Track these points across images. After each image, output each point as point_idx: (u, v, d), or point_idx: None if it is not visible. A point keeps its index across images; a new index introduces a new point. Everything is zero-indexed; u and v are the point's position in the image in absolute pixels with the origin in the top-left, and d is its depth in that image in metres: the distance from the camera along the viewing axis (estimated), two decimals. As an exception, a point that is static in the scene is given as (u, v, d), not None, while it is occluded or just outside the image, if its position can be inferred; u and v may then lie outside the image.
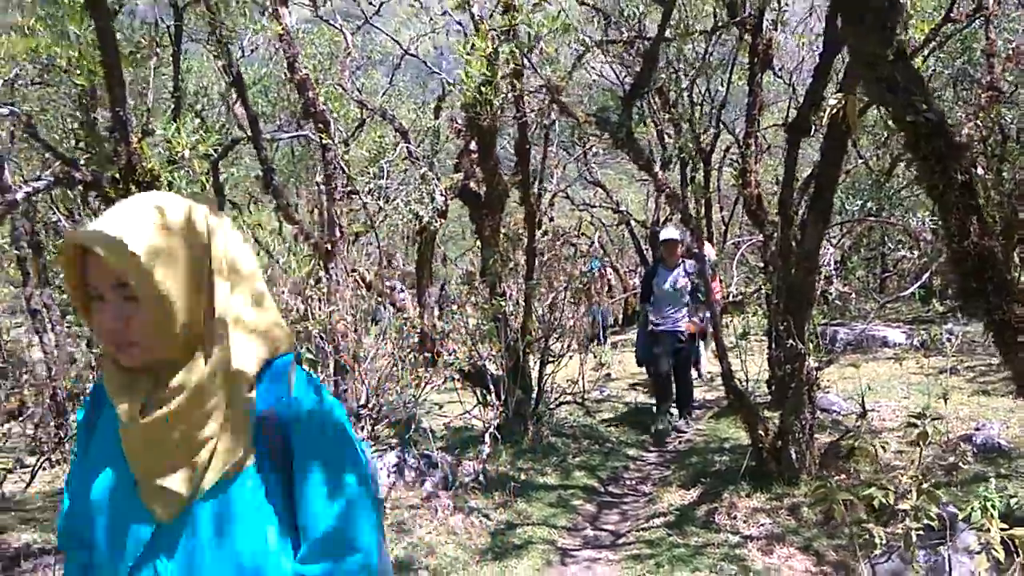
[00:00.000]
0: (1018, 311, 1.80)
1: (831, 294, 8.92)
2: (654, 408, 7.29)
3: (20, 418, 6.34)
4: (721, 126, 12.57)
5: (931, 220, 9.92)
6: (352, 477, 1.33)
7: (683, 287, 6.92)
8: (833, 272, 11.33)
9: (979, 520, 2.26)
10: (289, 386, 1.33)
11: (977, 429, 5.64)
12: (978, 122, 4.30)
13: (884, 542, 2.39)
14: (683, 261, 7.20)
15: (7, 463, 5.63)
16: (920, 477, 2.49)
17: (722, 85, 12.07)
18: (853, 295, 12.61)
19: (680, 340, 7.00)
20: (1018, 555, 2.36)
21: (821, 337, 8.97)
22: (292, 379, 1.34)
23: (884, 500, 2.57)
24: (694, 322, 7.56)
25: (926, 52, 7.50)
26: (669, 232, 7.19)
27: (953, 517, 3.31)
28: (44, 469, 6.36)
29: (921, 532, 2.61)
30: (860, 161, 11.65)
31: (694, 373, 8.95)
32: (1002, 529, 2.36)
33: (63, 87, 8.52)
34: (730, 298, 13.14)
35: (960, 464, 4.18)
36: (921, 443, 2.75)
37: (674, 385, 7.23)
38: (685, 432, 7.06)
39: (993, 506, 2.23)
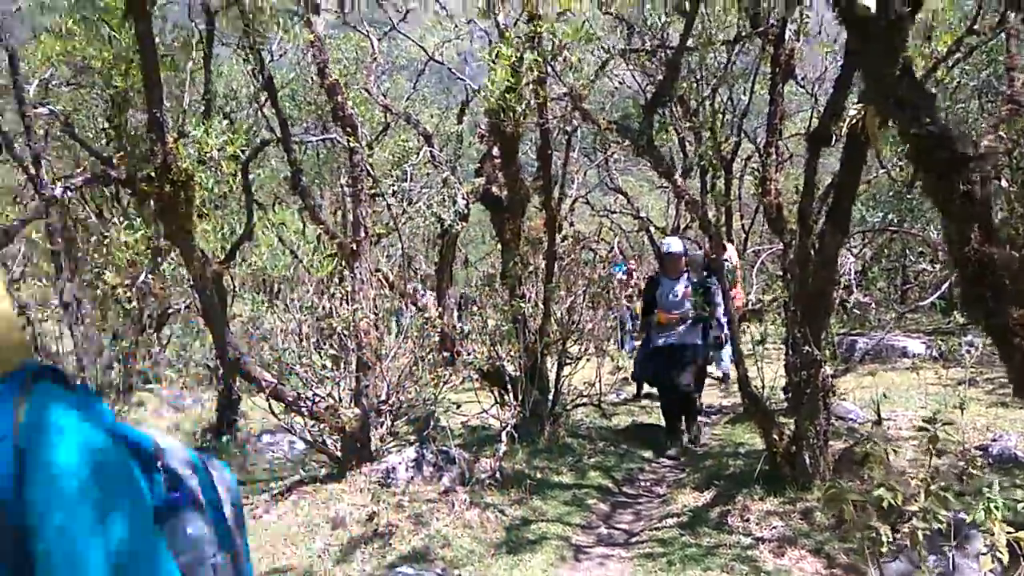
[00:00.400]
0: (1015, 315, 1.86)
1: (850, 304, 8.92)
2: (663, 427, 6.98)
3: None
4: (743, 135, 12.60)
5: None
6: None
7: (684, 297, 6.64)
8: (853, 282, 11.34)
9: (983, 522, 2.32)
10: (14, 422, 0.91)
11: (994, 440, 5.65)
12: (1000, 134, 4.32)
13: (891, 541, 2.45)
14: (687, 271, 7.02)
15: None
16: (929, 480, 2.55)
17: (744, 94, 12.13)
18: (873, 305, 12.60)
19: (685, 354, 6.61)
20: None
21: (839, 346, 9.00)
22: (20, 412, 0.92)
23: (893, 502, 2.64)
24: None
25: (951, 63, 7.52)
26: (672, 244, 6.94)
27: (961, 522, 3.37)
28: (73, 458, 6.55)
29: (929, 534, 2.66)
30: (882, 172, 11.65)
31: (719, 376, 9.00)
32: (1008, 532, 2.42)
33: (95, 88, 8.76)
34: (749, 305, 13.16)
35: (973, 472, 4.20)
36: (932, 447, 2.81)
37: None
38: (696, 449, 6.72)
39: (997, 508, 2.29)
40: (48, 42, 7.68)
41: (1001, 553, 2.36)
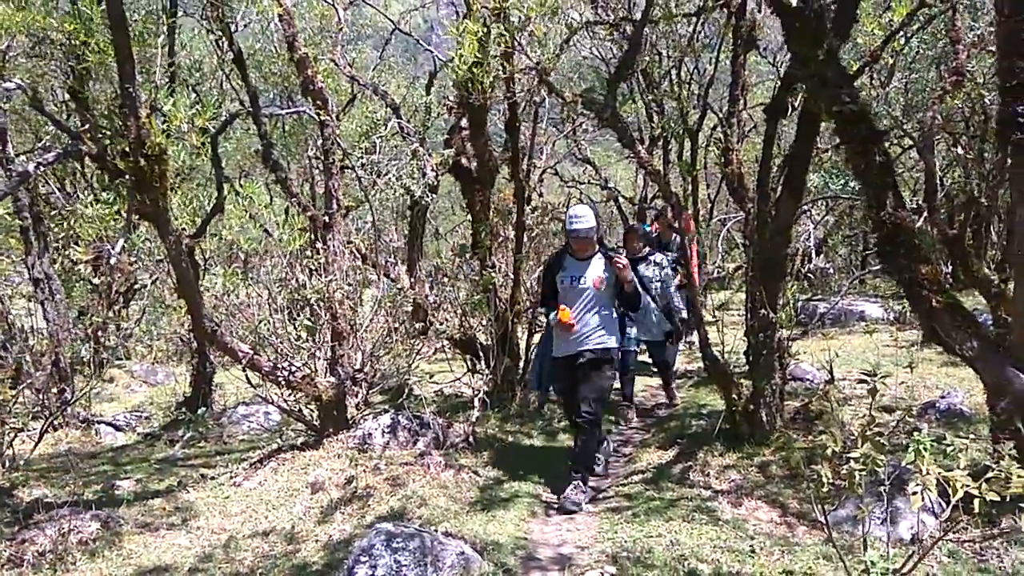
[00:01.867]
0: (924, 270, 2.07)
1: (807, 270, 9.18)
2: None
3: (19, 386, 6.55)
4: (707, 106, 12.76)
5: (909, 200, 10.22)
6: None
7: (602, 287, 4.90)
8: (812, 249, 11.66)
9: (913, 463, 2.54)
10: None
11: (942, 397, 5.95)
12: (943, 105, 4.55)
13: (831, 483, 2.67)
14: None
15: (16, 424, 5.86)
16: (866, 427, 2.76)
17: (710, 64, 12.27)
18: (832, 271, 12.98)
19: (597, 367, 4.87)
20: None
21: (802, 311, 9.31)
22: None
23: (835, 449, 2.86)
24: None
25: (909, 34, 7.72)
26: (578, 215, 4.89)
27: (904, 470, 3.63)
28: (49, 432, 6.62)
29: (868, 479, 2.88)
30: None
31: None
32: (938, 473, 2.65)
33: (55, 61, 8.62)
34: (713, 274, 13.45)
35: (908, 421, 4.48)
36: (872, 398, 3.03)
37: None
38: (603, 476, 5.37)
39: (926, 450, 2.51)
40: (5, 12, 7.55)
41: (930, 490, 2.59)
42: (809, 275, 10.99)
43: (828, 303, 10.20)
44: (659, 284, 6.69)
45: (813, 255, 12.40)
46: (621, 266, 4.78)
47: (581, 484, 4.80)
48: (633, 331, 6.36)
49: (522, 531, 4.25)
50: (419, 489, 4.63)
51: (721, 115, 11.67)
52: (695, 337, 8.26)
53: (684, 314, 6.77)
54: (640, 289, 5.06)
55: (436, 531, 3.85)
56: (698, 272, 8.02)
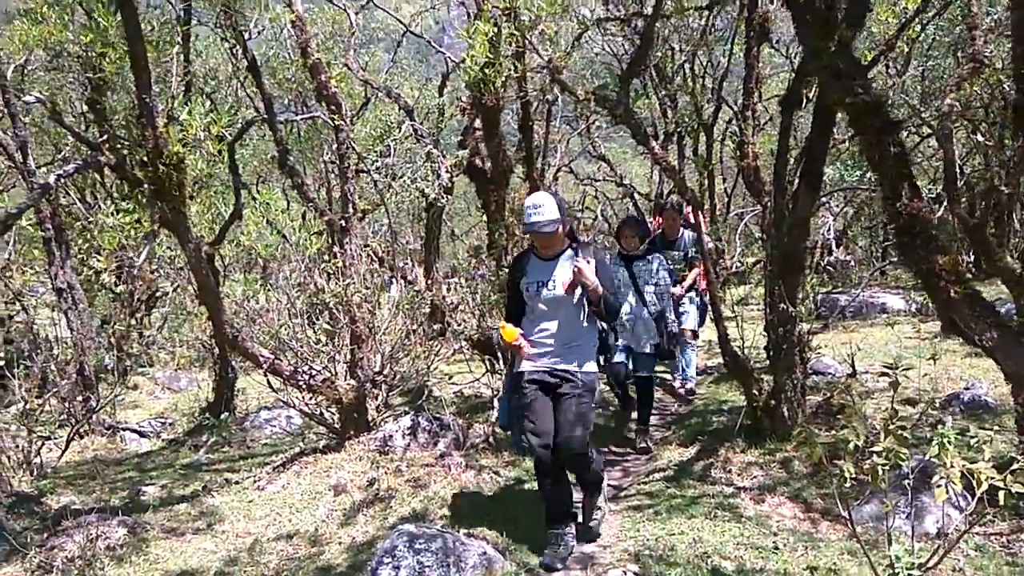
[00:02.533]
0: (941, 261, 2.05)
1: (825, 263, 9.08)
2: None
3: (45, 394, 6.66)
4: (722, 99, 12.70)
5: (928, 189, 10.12)
6: None
7: (576, 292, 3.94)
8: (832, 241, 11.55)
9: (937, 456, 2.52)
10: None
11: (966, 388, 5.88)
12: (961, 92, 4.49)
13: (854, 478, 2.65)
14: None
15: (43, 432, 5.95)
16: (889, 420, 2.74)
17: (724, 56, 12.21)
18: (853, 263, 12.85)
19: (571, 390, 3.90)
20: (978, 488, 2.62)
21: (823, 304, 9.23)
22: None
23: (858, 443, 2.84)
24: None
25: (925, 20, 7.63)
26: (536, 204, 3.91)
27: (929, 464, 3.59)
28: (75, 440, 6.70)
29: (890, 473, 2.86)
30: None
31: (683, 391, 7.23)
32: (963, 465, 2.62)
33: (72, 73, 8.75)
34: (733, 268, 13.37)
35: (931, 414, 4.43)
36: (893, 390, 3.00)
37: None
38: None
39: (950, 443, 2.49)
40: (23, 27, 7.66)
41: (955, 483, 2.57)
42: (829, 268, 10.89)
43: (849, 296, 10.11)
44: (654, 288, 5.94)
45: (833, 247, 12.31)
46: (577, 269, 3.78)
47: (567, 538, 3.90)
48: (620, 342, 5.74)
49: (544, 531, 4.24)
50: (440, 490, 4.65)
51: (736, 108, 11.64)
52: (687, 380, 7.30)
53: (675, 328, 6.11)
54: (614, 297, 3.96)
55: (458, 532, 3.86)
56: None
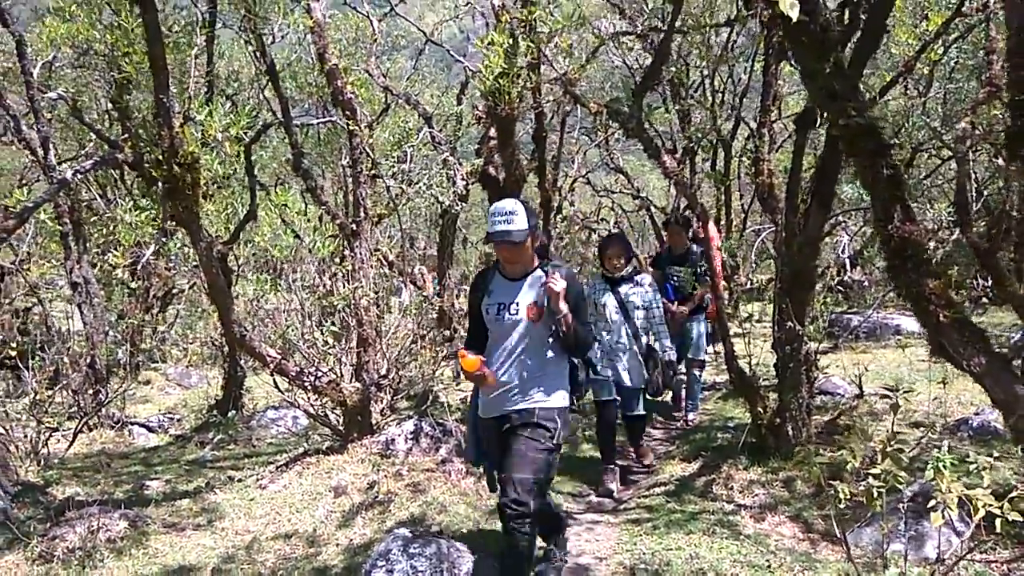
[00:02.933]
0: (931, 285, 2.04)
1: (836, 282, 8.98)
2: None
3: (56, 386, 6.75)
4: (741, 115, 12.69)
5: (948, 212, 10.03)
6: None
7: (543, 319, 3.38)
8: (847, 260, 11.48)
9: (933, 480, 2.50)
10: None
11: (976, 414, 5.82)
12: (977, 116, 4.47)
13: (848, 499, 2.63)
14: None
15: (52, 423, 6.03)
16: (887, 443, 2.72)
17: (745, 73, 12.21)
18: (868, 283, 12.75)
19: (529, 432, 3.34)
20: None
21: (836, 324, 9.17)
22: None
23: (855, 465, 2.82)
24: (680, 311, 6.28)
25: (947, 43, 7.59)
26: (504, 213, 3.33)
27: (930, 488, 3.56)
28: (83, 432, 6.78)
29: (887, 495, 2.83)
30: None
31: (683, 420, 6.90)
32: (960, 490, 2.59)
33: (98, 71, 8.90)
34: (746, 285, 13.30)
35: (931, 437, 4.39)
36: (894, 413, 2.98)
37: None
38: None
39: (945, 467, 2.47)
40: (52, 25, 7.82)
41: (951, 508, 2.54)
42: (841, 287, 10.81)
43: (862, 316, 10.03)
44: (645, 313, 5.40)
45: (848, 267, 12.22)
46: (546, 288, 3.28)
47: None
48: (609, 374, 5.29)
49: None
50: (440, 496, 4.66)
51: (750, 125, 11.61)
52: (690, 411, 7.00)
53: (672, 355, 5.48)
54: (587, 328, 3.47)
55: (453, 539, 3.87)
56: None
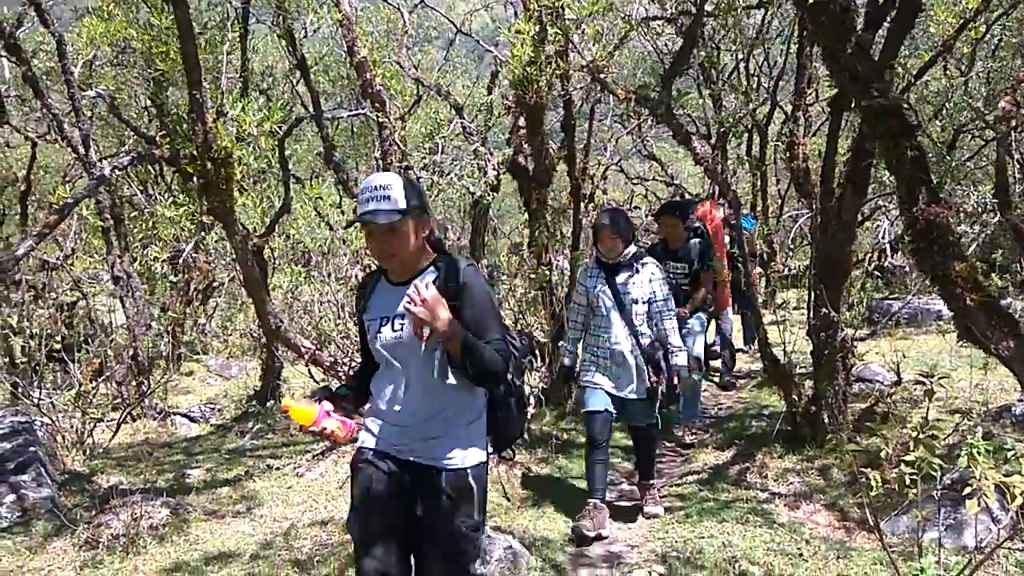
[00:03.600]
0: (958, 267, 2.00)
1: (873, 268, 8.82)
2: None
3: (101, 378, 6.95)
4: (776, 99, 12.47)
5: (991, 195, 9.76)
6: None
7: (425, 351, 2.41)
8: (888, 246, 11.25)
9: (967, 467, 2.45)
10: None
11: (1020, 400, 5.68)
12: (1016, 97, 4.35)
13: (880, 486, 2.59)
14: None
15: (96, 414, 6.20)
16: (920, 429, 2.67)
17: (781, 56, 11.98)
18: (909, 269, 12.49)
19: (443, 496, 2.44)
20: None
21: (875, 310, 9.00)
22: None
23: (888, 452, 2.78)
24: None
25: (990, 20, 7.35)
26: (380, 183, 2.39)
27: (968, 476, 3.49)
28: (127, 422, 6.97)
29: (926, 483, 2.78)
30: (921, 133, 11.38)
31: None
32: (996, 476, 2.54)
33: (136, 69, 9.08)
34: (783, 272, 13.11)
35: (969, 424, 4.30)
36: (928, 399, 2.93)
37: None
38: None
39: (980, 453, 2.42)
40: (91, 24, 8.00)
41: (987, 496, 2.49)
42: (878, 272, 10.60)
43: (902, 302, 9.84)
44: (648, 308, 4.33)
45: (888, 252, 11.98)
46: (410, 298, 2.30)
47: None
48: (600, 378, 4.34)
49: (569, 529, 4.25)
50: (471, 484, 4.69)
51: (785, 109, 11.41)
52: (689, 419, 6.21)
53: (680, 359, 4.37)
54: (495, 346, 2.38)
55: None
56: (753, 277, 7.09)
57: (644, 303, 4.32)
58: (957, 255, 2.00)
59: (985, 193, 10.03)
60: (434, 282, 2.37)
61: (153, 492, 4.68)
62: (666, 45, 8.53)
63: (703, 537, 3.98)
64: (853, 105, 2.46)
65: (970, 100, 10.04)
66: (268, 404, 7.33)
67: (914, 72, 6.30)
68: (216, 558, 4.08)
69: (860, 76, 2.00)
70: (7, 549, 4.04)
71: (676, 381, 4.33)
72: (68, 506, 4.61)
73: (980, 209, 9.26)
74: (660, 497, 4.60)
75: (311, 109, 9.06)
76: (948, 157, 11.23)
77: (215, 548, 4.19)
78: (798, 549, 3.69)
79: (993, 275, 9.10)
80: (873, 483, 2.53)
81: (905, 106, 2.06)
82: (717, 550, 3.79)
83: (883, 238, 12.09)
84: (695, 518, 4.23)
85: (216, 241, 8.41)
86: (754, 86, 12.86)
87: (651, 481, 4.57)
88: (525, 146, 6.77)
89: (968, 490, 2.54)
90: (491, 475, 4.82)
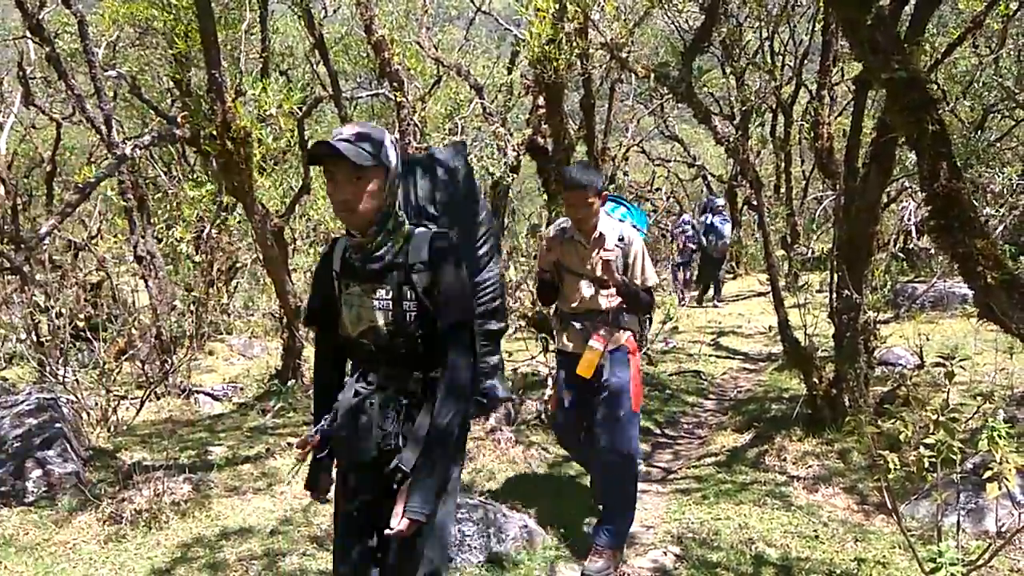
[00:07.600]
0: (979, 245, 1.95)
1: (901, 248, 8.68)
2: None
3: (125, 356, 7.04)
4: (801, 80, 12.28)
5: (1020, 176, 9.55)
6: None
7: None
8: (913, 228, 11.06)
9: (987, 450, 2.42)
10: None
11: (1044, 384, 5.59)
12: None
13: (897, 469, 2.56)
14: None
15: (121, 393, 6.29)
16: (940, 412, 2.64)
17: (807, 35, 11.78)
18: (933, 251, 12.29)
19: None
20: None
21: (899, 293, 8.88)
22: None
23: (908, 435, 2.75)
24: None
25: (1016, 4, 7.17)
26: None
27: (989, 459, 3.44)
28: (150, 400, 7.07)
29: (946, 467, 2.75)
30: (948, 112, 11.15)
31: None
32: (1016, 460, 2.50)
33: (158, 50, 9.13)
34: (806, 254, 12.97)
35: (991, 406, 4.22)
36: (948, 381, 2.88)
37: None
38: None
39: (1000, 436, 2.38)
40: (113, 5, 8.04)
41: (1008, 480, 2.46)
42: (902, 254, 10.44)
43: (927, 285, 9.69)
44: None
45: (914, 234, 11.79)
46: None
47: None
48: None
49: (588, 508, 4.26)
50: (488, 463, 4.72)
51: (810, 88, 11.21)
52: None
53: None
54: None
55: (501, 504, 3.91)
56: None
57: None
58: (979, 232, 1.96)
59: (1012, 175, 9.82)
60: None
61: (176, 468, 4.75)
62: (687, 22, 8.39)
63: (719, 519, 3.96)
64: (874, 78, 2.39)
65: (1000, 79, 9.81)
66: (289, 383, 7.39)
67: (942, 50, 6.16)
68: (236, 533, 4.13)
69: (881, 48, 1.95)
70: (33, 523, 4.12)
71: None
72: (93, 481, 4.69)
73: (1008, 191, 9.07)
74: (679, 479, 4.59)
75: (330, 90, 9.08)
76: (976, 137, 11.01)
77: (235, 524, 4.25)
78: (815, 532, 3.66)
79: (1022, 258, 8.95)
80: (891, 466, 2.50)
81: (927, 79, 2.01)
82: (733, 532, 3.78)
83: (908, 220, 11.90)
84: (712, 500, 4.22)
85: (238, 222, 8.47)
86: (779, 65, 12.67)
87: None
88: (544, 126, 6.72)
89: (988, 474, 2.51)
90: (508, 456, 4.86)
